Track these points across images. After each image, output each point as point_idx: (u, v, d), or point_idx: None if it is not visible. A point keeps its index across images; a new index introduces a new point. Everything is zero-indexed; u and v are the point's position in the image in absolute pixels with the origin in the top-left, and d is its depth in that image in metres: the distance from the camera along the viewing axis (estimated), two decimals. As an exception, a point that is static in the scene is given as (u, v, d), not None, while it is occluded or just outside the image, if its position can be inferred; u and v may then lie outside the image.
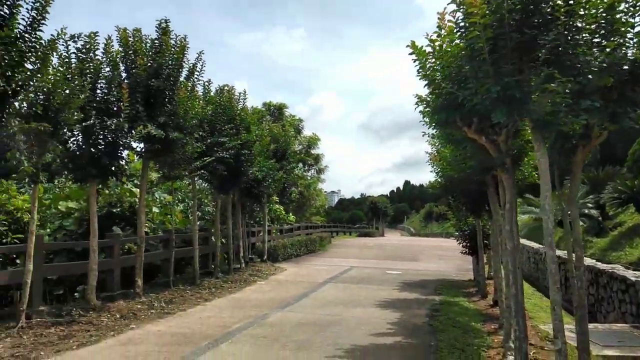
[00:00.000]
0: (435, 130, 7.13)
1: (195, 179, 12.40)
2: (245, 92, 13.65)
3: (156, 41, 9.28)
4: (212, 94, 12.50)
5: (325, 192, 47.07)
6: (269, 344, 6.23)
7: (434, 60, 4.82)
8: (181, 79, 9.65)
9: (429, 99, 5.36)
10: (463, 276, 14.54)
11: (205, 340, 6.32)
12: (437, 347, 6.17)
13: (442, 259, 20.78)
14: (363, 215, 66.81)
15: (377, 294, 10.56)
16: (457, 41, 4.57)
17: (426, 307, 9.18)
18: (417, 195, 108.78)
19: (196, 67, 10.10)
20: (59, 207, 11.05)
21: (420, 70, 4.82)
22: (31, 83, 6.20)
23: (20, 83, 5.91)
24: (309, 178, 35.88)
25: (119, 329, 6.90)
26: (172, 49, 9.32)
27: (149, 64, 9.02)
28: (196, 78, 10.28)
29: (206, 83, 12.09)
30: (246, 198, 15.23)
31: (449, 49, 4.62)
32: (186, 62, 9.73)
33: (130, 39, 8.99)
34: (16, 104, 6.19)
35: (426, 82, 4.91)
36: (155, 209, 13.03)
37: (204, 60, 10.18)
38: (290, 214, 27.28)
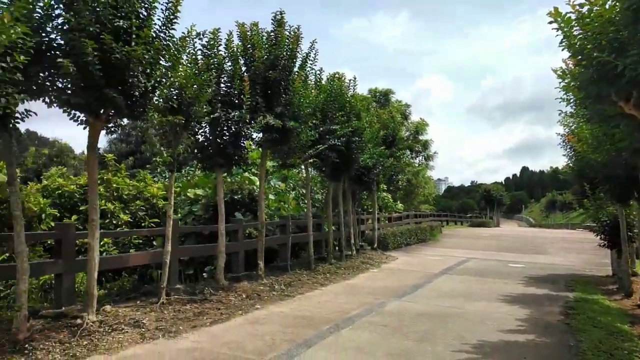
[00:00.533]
0: (574, 107, 6.43)
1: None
2: (355, 78, 13.60)
3: (272, 33, 9.56)
4: (323, 82, 12.61)
5: (433, 179, 45.65)
6: (390, 333, 6.12)
7: (579, 28, 4.27)
8: (295, 69, 9.85)
9: (569, 71, 4.79)
10: (597, 271, 13.10)
11: (327, 325, 6.41)
12: (578, 349, 5.57)
13: (570, 252, 18.98)
14: (474, 204, 63.80)
15: (499, 288, 9.90)
16: (611, 3, 4.00)
17: (559, 304, 8.37)
18: (536, 183, 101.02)
19: (309, 56, 10.22)
20: (188, 194, 12.02)
21: (564, 40, 4.30)
22: (164, 79, 6.69)
23: (157, 79, 6.41)
24: (417, 165, 35.05)
25: (245, 308, 7.29)
26: (287, 40, 9.53)
27: (266, 57, 9.31)
28: (309, 67, 10.42)
29: (318, 72, 12.22)
30: (356, 185, 15.24)
31: (600, 14, 4.06)
32: (300, 52, 9.90)
33: (248, 32, 9.37)
34: (154, 99, 6.74)
35: (570, 53, 4.38)
36: (271, 196, 13.61)
37: (317, 49, 10.27)
38: (398, 202, 26.87)
